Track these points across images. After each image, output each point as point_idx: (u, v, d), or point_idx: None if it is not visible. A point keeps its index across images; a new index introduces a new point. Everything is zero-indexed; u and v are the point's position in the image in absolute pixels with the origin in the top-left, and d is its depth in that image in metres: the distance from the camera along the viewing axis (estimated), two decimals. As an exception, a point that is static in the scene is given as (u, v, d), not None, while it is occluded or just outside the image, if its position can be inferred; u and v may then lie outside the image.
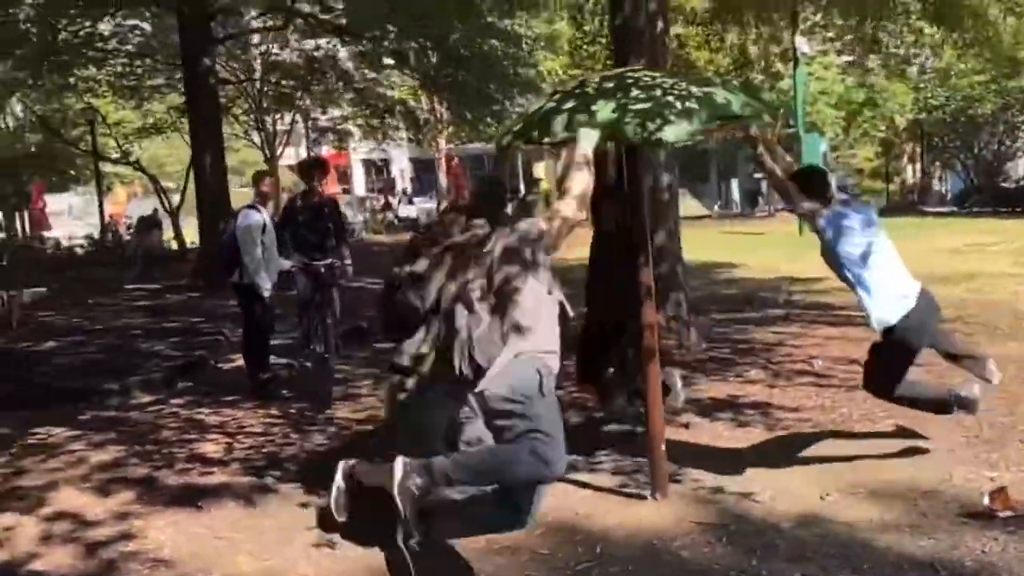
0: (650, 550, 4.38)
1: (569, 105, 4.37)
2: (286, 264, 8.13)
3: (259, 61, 23.61)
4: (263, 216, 7.85)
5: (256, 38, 22.66)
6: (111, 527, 4.88)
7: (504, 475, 3.84)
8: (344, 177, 44.78)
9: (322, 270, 8.14)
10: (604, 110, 4.20)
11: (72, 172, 32.95)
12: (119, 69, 23.36)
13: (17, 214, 34.45)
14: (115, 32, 22.03)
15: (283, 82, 23.54)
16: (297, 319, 8.48)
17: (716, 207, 39.13)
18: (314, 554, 4.48)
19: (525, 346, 3.77)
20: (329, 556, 4.46)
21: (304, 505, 5.09)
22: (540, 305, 3.85)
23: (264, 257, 7.79)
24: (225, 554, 4.50)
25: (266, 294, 7.82)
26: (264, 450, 6.25)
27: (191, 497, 5.30)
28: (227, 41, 19.88)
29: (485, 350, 3.62)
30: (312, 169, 8.81)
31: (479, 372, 3.67)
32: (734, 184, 41.43)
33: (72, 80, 23.15)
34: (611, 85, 4.41)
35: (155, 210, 26.35)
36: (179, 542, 4.67)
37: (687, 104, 4.17)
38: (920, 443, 5.57)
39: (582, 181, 4.11)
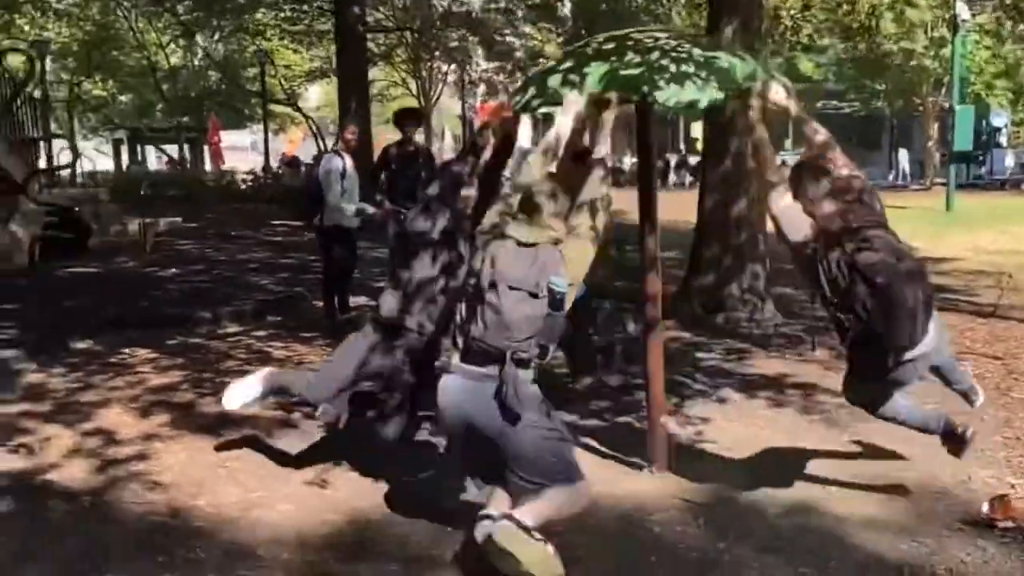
0: (624, 523, 4.26)
1: (566, 66, 4.20)
2: (369, 209, 8.25)
3: (411, 10, 23.83)
4: (344, 162, 7.98)
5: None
6: (133, 447, 5.12)
7: None
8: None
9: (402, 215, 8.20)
10: (595, 73, 4.01)
11: (246, 111, 34.38)
12: (287, 14, 24.14)
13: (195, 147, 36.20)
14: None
15: (436, 32, 23.70)
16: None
17: (890, 177, 37.23)
18: (302, 492, 4.58)
19: None
20: (316, 495, 4.55)
21: (316, 446, 5.20)
22: None
23: (344, 200, 7.93)
24: (220, 483, 4.65)
25: (350, 213, 7.93)
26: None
27: (218, 426, 5.49)
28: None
29: None
30: (404, 119, 8.97)
31: None
32: (903, 154, 39.21)
33: (244, 23, 24.16)
34: (611, 47, 4.21)
35: (319, 150, 27.14)
36: (185, 467, 4.86)
37: (682, 68, 3.94)
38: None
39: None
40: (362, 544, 4.01)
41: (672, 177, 27.67)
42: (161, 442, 5.22)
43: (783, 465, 4.86)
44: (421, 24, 22.80)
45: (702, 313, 8.12)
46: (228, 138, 37.42)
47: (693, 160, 29.85)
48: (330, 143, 25.37)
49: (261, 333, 8.21)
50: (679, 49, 4.07)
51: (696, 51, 4.07)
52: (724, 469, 4.90)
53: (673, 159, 29.32)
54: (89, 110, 35.90)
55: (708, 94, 3.91)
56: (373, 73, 29.49)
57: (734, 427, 5.56)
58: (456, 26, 23.15)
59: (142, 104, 37.26)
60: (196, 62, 33.18)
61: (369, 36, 23.81)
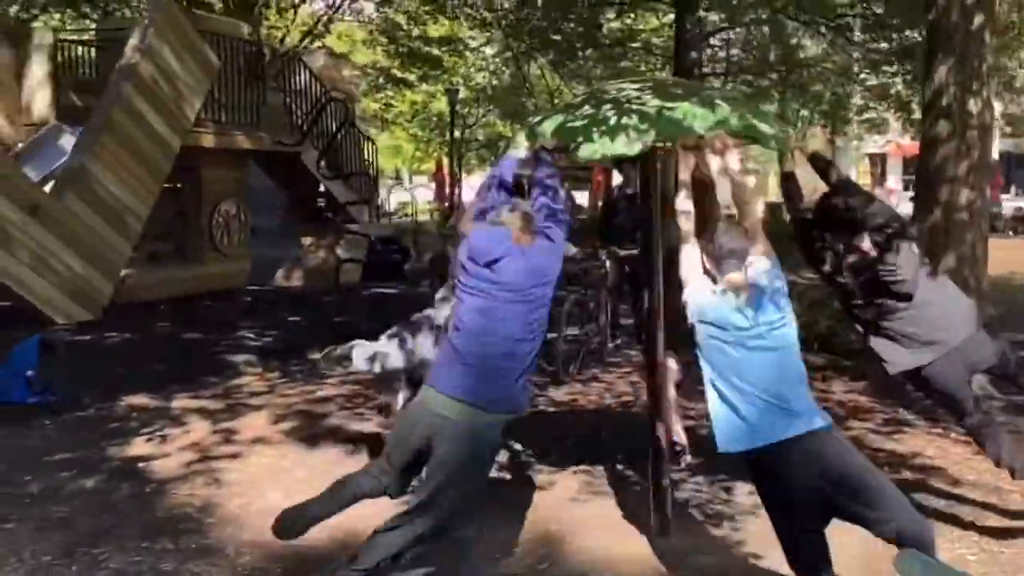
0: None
1: (538, 118, 4.12)
2: (572, 250, 8.35)
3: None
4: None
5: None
6: (235, 447, 5.71)
7: None
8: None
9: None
10: (548, 125, 3.90)
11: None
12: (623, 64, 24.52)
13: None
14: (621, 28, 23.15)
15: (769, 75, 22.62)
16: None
17: None
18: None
19: None
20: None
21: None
22: None
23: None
24: (269, 489, 4.92)
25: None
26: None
27: (322, 438, 5.93)
28: (718, 33, 19.94)
29: None
30: (626, 161, 8.97)
31: None
32: None
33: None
34: (579, 100, 4.05)
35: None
36: (257, 471, 5.30)
37: (623, 119, 3.69)
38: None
39: None
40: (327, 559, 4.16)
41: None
42: (261, 445, 5.75)
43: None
44: (774, 69, 21.97)
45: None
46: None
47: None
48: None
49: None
50: (636, 100, 3.80)
51: (654, 101, 3.78)
52: (733, 543, 4.41)
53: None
54: (500, 150, 39.09)
55: (633, 147, 3.62)
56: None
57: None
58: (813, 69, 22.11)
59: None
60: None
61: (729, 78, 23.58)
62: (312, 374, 7.65)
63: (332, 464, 5.43)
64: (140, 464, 5.38)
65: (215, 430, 6.06)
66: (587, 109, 3.87)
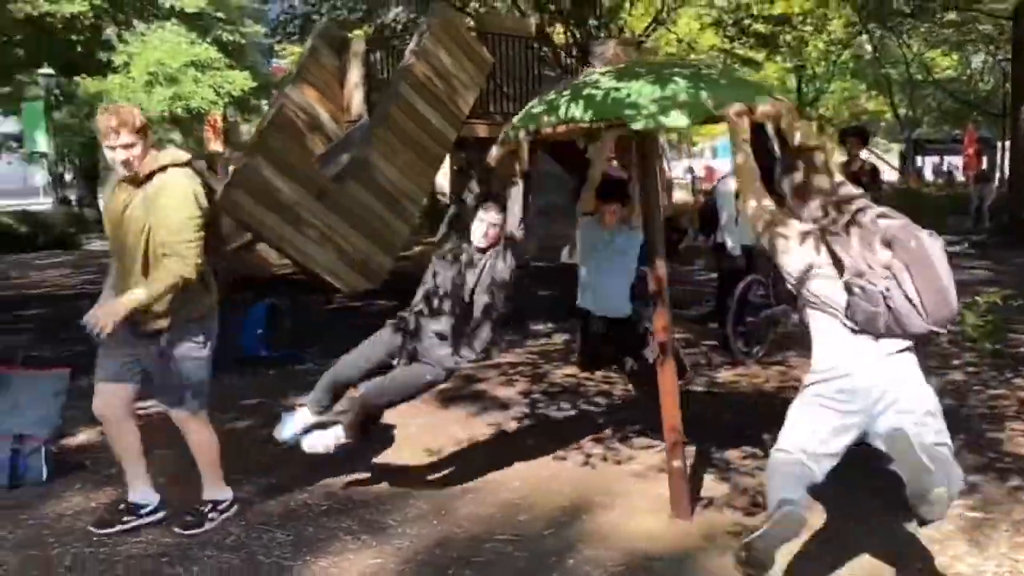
0: (578, 560, 3.96)
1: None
2: None
3: None
4: (743, 183, 7.82)
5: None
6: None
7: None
8: None
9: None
10: (516, 119, 4.03)
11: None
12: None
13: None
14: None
15: None
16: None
17: None
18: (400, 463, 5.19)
19: None
20: (402, 470, 5.13)
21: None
22: None
23: (737, 221, 7.79)
24: (373, 441, 5.46)
25: (732, 251, 7.83)
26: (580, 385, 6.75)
27: (458, 400, 6.30)
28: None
29: None
30: (846, 137, 8.31)
31: None
32: None
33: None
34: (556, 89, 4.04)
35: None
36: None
37: (570, 105, 3.67)
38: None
39: None
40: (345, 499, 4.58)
41: None
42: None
43: (823, 548, 3.86)
44: None
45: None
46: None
47: None
48: None
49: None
50: (593, 84, 3.76)
51: (608, 83, 3.69)
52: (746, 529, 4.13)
53: None
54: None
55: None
56: None
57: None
58: None
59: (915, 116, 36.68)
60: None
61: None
62: (513, 344, 8.08)
63: (446, 423, 5.82)
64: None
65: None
66: (549, 96, 3.87)
